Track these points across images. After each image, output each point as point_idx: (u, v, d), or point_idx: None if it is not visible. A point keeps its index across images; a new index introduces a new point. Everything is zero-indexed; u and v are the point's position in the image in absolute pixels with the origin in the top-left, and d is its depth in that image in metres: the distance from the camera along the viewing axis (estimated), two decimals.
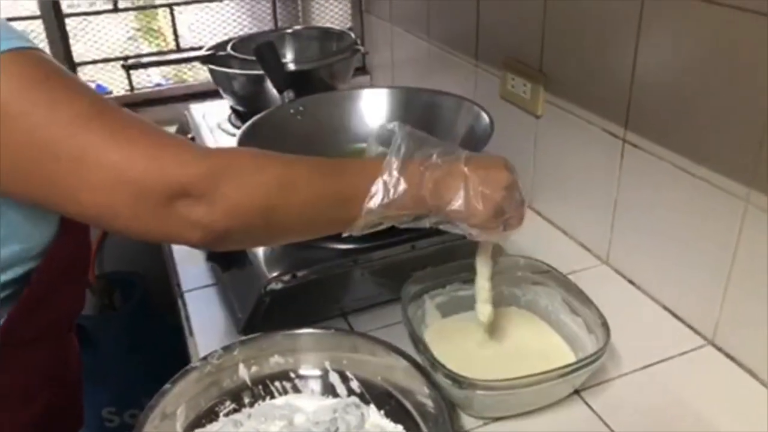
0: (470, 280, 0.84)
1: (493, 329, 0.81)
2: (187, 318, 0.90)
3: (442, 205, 0.64)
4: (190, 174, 0.51)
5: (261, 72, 1.13)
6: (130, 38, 1.70)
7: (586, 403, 0.73)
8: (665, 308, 0.86)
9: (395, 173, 0.61)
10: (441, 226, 0.67)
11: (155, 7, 1.60)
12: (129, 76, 1.59)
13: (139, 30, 1.90)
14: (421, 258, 0.87)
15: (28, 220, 0.61)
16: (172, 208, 0.51)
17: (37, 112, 0.49)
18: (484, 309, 0.77)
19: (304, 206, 0.59)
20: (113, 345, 1.52)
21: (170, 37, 1.64)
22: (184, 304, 0.92)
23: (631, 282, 0.92)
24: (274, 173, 0.57)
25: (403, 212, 0.63)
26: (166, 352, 1.58)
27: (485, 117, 0.93)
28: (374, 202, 0.60)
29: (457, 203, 0.63)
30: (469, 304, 0.83)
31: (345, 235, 0.64)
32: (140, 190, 0.50)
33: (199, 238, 0.54)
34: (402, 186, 0.61)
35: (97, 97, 0.54)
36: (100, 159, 0.49)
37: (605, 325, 0.72)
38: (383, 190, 0.60)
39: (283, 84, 1.08)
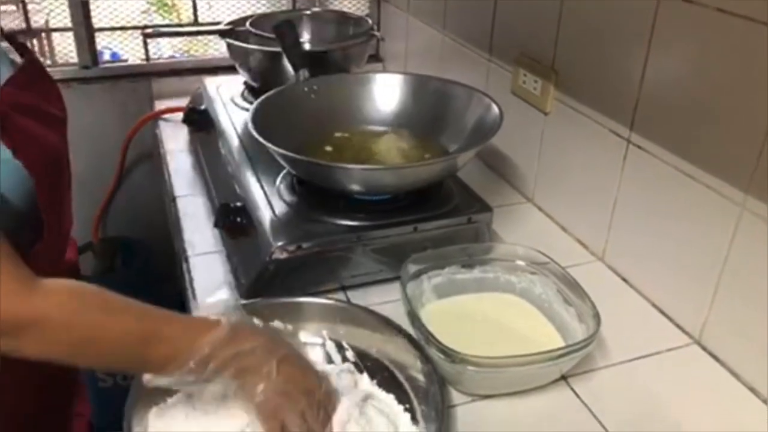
0: (468, 264, 0.87)
1: (487, 315, 0.83)
2: (191, 281, 0.92)
3: (240, 389, 0.64)
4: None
5: (278, 49, 1.15)
6: (143, 11, 1.73)
7: (572, 389, 0.76)
8: (655, 306, 0.89)
9: (203, 361, 0.61)
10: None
11: None
12: (146, 45, 1.61)
13: (153, 4, 1.93)
14: (423, 240, 0.90)
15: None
16: None
17: None
18: None
19: (102, 358, 0.62)
20: None
21: (183, 13, 1.66)
22: (189, 269, 0.95)
23: (624, 279, 0.94)
24: (79, 334, 0.58)
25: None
26: None
27: (495, 108, 0.96)
28: (168, 378, 0.61)
29: (251, 397, 0.63)
30: (465, 288, 0.86)
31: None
32: None
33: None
34: (205, 372, 0.61)
35: None
36: None
37: (596, 316, 0.75)
38: (185, 372, 0.60)
39: (299, 63, 1.10)
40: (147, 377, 0.62)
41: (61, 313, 0.57)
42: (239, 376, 0.63)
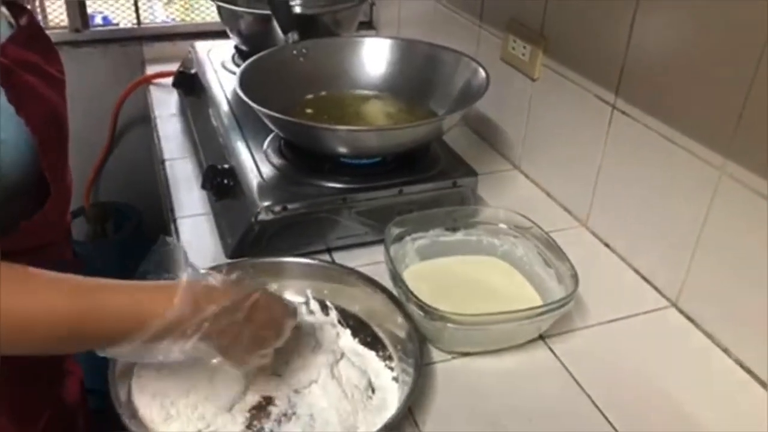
0: (452, 228, 0.88)
1: (468, 276, 0.85)
2: (179, 242, 0.93)
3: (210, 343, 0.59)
4: None
5: (268, 12, 1.15)
6: None
7: (550, 349, 0.78)
8: (635, 270, 0.90)
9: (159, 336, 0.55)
10: None
11: None
12: (137, 9, 1.60)
13: None
14: (408, 203, 0.91)
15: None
16: None
17: None
18: None
19: (31, 342, 0.54)
20: (103, 272, 1.55)
21: None
22: (176, 229, 0.96)
23: (606, 245, 0.95)
24: (8, 315, 0.51)
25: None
26: None
27: (482, 72, 0.96)
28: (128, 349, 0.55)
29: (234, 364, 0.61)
30: (448, 250, 0.87)
31: None
32: None
33: None
34: (165, 342, 0.56)
35: None
36: None
37: (575, 276, 0.76)
38: (141, 346, 0.55)
39: (289, 25, 1.10)
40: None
41: None
42: (208, 340, 0.57)
